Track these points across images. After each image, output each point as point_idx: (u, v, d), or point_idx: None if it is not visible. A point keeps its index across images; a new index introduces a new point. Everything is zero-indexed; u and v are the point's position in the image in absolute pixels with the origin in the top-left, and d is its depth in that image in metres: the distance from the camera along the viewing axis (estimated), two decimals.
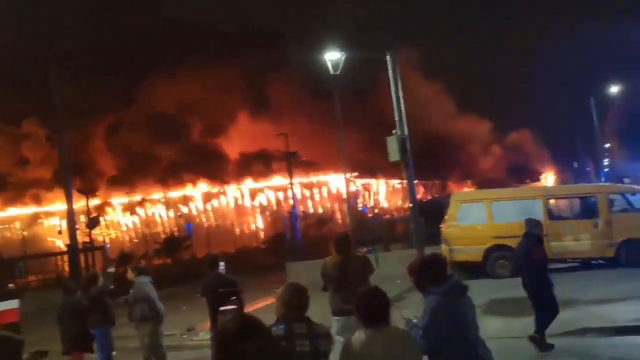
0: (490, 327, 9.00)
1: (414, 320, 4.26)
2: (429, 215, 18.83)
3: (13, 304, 11.18)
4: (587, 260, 15.04)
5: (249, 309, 8.59)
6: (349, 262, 6.75)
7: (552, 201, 15.99)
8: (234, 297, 8.03)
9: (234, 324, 2.27)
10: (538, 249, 8.36)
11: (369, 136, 44.39)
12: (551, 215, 15.25)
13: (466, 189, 58.71)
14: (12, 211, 54.49)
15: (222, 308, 7.97)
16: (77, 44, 50.76)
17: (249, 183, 54.24)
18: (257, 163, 53.87)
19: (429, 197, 53.72)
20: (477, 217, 15.12)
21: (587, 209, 15.51)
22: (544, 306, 8.28)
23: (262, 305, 13.81)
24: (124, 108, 56.06)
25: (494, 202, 15.19)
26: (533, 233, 8.50)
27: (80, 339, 9.12)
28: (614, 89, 42.33)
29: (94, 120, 50.37)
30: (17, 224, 53.28)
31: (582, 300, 11.01)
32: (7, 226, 54.45)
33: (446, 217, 15.48)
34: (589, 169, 58.61)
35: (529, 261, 8.31)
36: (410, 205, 13.10)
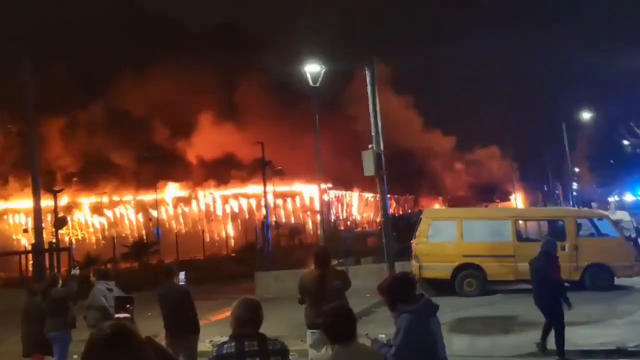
0: (455, 345, 9.05)
1: (382, 337, 4.27)
2: (400, 230, 18.97)
3: None
4: None
5: (203, 322, 8.53)
6: (328, 276, 6.74)
7: (521, 223, 16.22)
8: (129, 306, 7.97)
9: (107, 331, 2.23)
10: (555, 268, 8.74)
11: (341, 147, 44.73)
12: (519, 236, 15.46)
13: (437, 206, 59.35)
14: None
15: (116, 315, 7.91)
16: (44, 33, 49.76)
17: (221, 189, 53.89)
18: (230, 170, 53.60)
19: (401, 212, 54.08)
20: (447, 235, 15.26)
21: (555, 232, 15.74)
22: (559, 321, 8.47)
23: (214, 320, 13.58)
24: (90, 103, 55.06)
25: (464, 221, 15.36)
26: (551, 253, 8.90)
27: (43, 341, 8.94)
28: (586, 115, 43.36)
29: (56, 115, 49.26)
30: None
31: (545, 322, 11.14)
32: None
33: (417, 234, 15.59)
34: (558, 192, 59.74)
35: (546, 278, 8.64)
36: (382, 219, 13.13)
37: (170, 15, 57.76)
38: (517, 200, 60.81)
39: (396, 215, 43.81)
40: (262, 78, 54.20)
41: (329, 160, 38.40)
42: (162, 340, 7.67)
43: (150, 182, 47.28)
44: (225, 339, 11.09)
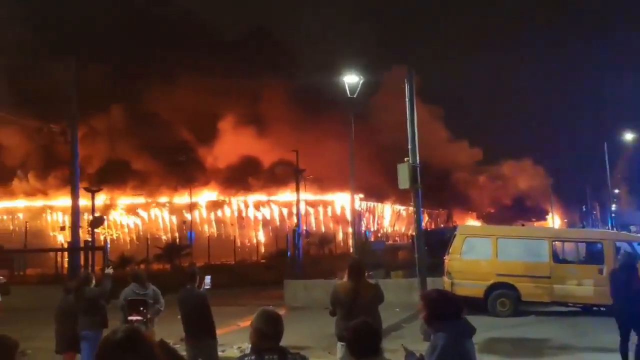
0: None
1: (416, 354, 4.20)
2: (432, 245, 18.72)
3: None
4: (589, 306, 14.85)
5: (222, 330, 8.57)
6: (361, 289, 6.67)
7: (558, 243, 15.85)
8: (142, 308, 8.02)
9: (119, 334, 2.32)
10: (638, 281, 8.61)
11: (371, 157, 44.58)
12: (556, 257, 15.12)
13: (471, 221, 58.54)
14: (19, 203, 54.75)
15: (129, 317, 7.97)
16: (83, 35, 51.12)
17: (253, 195, 54.28)
18: (262, 176, 53.92)
19: (433, 226, 53.51)
20: (481, 253, 15.01)
21: (593, 255, 15.36)
22: None
23: (242, 327, 13.52)
24: (128, 104, 56.16)
25: (500, 239, 15.08)
26: (634, 265, 8.82)
27: (75, 339, 9.05)
28: (629, 136, 42.22)
29: (93, 116, 50.43)
30: (21, 215, 53.50)
31: (578, 347, 10.87)
32: (10, 217, 54.67)
33: (450, 250, 15.37)
34: (596, 213, 58.31)
35: (631, 293, 8.48)
36: (416, 234, 12.97)
37: (203, 20, 58.75)
38: (555, 220, 59.59)
39: (428, 229, 43.36)
40: (293, 86, 54.60)
41: (360, 171, 38.32)
42: None
43: (184, 185, 47.93)
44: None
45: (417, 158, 12.29)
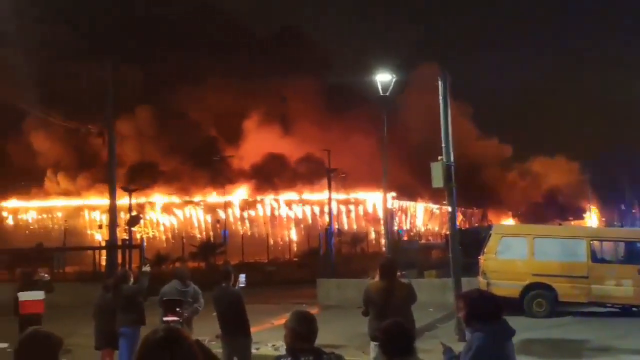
0: None
1: (454, 351, 4.17)
2: (466, 245, 18.50)
3: (39, 295, 11.31)
4: (628, 306, 14.50)
5: (256, 328, 8.64)
6: (394, 289, 6.64)
7: (596, 243, 15.50)
8: (179, 309, 8.10)
9: (160, 334, 2.36)
10: None
11: (405, 156, 44.26)
12: (594, 257, 14.79)
13: (510, 221, 57.63)
14: (56, 202, 56.17)
15: (165, 318, 8.05)
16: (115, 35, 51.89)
17: (285, 194, 54.52)
18: (294, 176, 54.09)
19: (467, 226, 52.90)
20: (517, 252, 14.80)
21: (632, 254, 14.98)
22: None
23: (276, 325, 13.57)
24: (164, 103, 56.92)
25: (536, 238, 14.84)
26: None
27: (113, 336, 9.23)
28: None
29: (128, 116, 51.31)
30: (59, 214, 54.88)
31: (619, 348, 10.63)
32: (49, 216, 56.15)
33: (485, 249, 15.18)
34: (635, 211, 56.84)
35: None
36: (450, 233, 12.85)
37: (231, 19, 58.97)
38: (592, 218, 58.25)
39: (462, 228, 42.90)
40: (322, 85, 54.51)
41: (392, 169, 38.15)
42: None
43: (217, 185, 48.45)
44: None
45: (452, 156, 12.17)
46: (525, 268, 14.58)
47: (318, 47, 62.07)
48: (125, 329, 9.08)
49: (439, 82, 12.00)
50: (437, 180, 11.87)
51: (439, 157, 11.96)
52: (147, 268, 10.38)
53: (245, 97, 54.89)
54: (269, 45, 60.65)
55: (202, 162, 52.81)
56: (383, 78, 14.15)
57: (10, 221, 57.86)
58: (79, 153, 53.77)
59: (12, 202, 57.21)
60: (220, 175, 48.04)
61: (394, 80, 14.07)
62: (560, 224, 35.41)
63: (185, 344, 2.36)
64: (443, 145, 12.03)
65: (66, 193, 56.27)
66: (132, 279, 9.55)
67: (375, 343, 6.55)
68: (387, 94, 14.12)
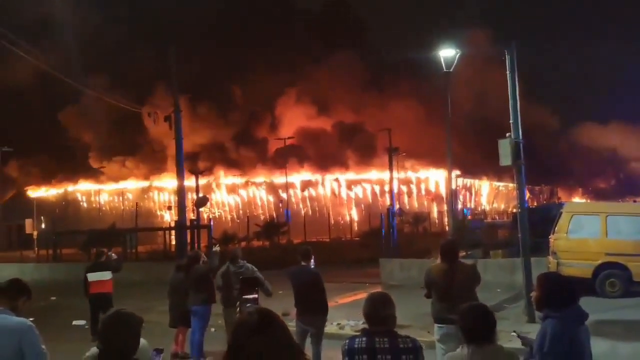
0: (594, 350, 8.46)
1: (530, 339, 4.06)
2: (535, 223, 17.96)
3: (106, 275, 11.59)
4: None
5: (330, 304, 8.71)
6: (456, 271, 6.52)
7: None
8: (256, 287, 8.22)
9: (255, 316, 2.38)
10: None
11: (469, 133, 43.21)
12: None
13: (576, 199, 55.53)
14: (127, 184, 58.45)
15: (244, 296, 8.18)
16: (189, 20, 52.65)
17: (347, 173, 54.54)
18: (356, 154, 53.93)
19: (535, 204, 51.36)
20: (589, 231, 14.24)
21: None
22: None
23: (340, 303, 13.71)
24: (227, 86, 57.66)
25: (609, 217, 14.23)
26: None
27: (186, 314, 9.57)
28: None
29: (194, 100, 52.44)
30: (130, 196, 57.16)
31: None
32: (120, 198, 58.57)
33: (556, 228, 14.70)
34: None
35: None
36: (520, 212, 12.50)
37: None
38: None
39: (531, 207, 41.67)
40: (379, 61, 53.65)
41: (456, 147, 37.40)
42: (292, 317, 7.99)
43: (281, 164, 49.04)
44: (351, 322, 11.27)
45: (520, 133, 11.80)
46: (597, 247, 14.03)
47: (366, 23, 60.82)
48: (197, 308, 9.38)
49: (506, 56, 11.60)
50: (505, 158, 11.55)
51: (507, 134, 11.62)
52: (217, 248, 10.71)
53: (292, 76, 54.60)
54: (316, 21, 60.06)
55: (262, 143, 53.60)
56: (446, 54, 13.77)
57: (84, 204, 60.84)
58: (141, 137, 55.46)
59: (85, 185, 60.01)
60: (280, 156, 48.65)
61: (458, 55, 13.68)
62: (634, 201, 33.85)
63: (280, 326, 2.39)
64: (511, 121, 11.67)
65: (138, 175, 58.47)
66: (202, 259, 9.83)
67: (439, 325, 6.49)
68: (451, 70, 13.75)
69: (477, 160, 45.61)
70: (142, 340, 4.02)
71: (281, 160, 48.95)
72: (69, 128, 59.35)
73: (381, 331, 3.60)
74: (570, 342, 3.77)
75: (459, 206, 43.14)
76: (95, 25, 51.02)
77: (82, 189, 60.59)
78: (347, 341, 3.71)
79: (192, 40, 50.00)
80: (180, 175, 24.22)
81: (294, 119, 56.31)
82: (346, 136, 55.46)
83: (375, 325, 3.63)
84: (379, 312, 3.67)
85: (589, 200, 48.59)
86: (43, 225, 40.94)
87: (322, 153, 54.78)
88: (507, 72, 11.61)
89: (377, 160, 49.29)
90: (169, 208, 43.62)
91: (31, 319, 4.16)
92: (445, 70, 13.85)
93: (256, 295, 8.43)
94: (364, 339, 3.61)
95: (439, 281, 6.52)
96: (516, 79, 11.69)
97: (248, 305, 7.87)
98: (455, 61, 13.94)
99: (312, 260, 8.30)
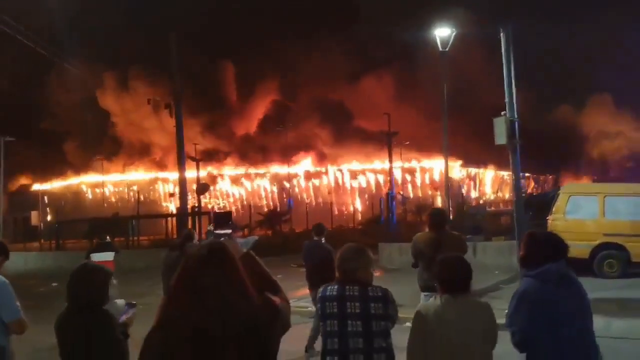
0: None
1: None
2: (537, 208, 17.89)
3: (109, 255, 11.98)
4: None
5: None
6: (443, 239, 6.42)
7: None
8: (230, 222, 8.27)
9: (204, 250, 2.37)
10: None
11: (470, 120, 42.93)
12: None
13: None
14: (134, 175, 58.68)
15: (217, 231, 8.23)
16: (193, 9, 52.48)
17: (350, 164, 54.48)
18: (357, 143, 53.77)
19: (540, 192, 51.19)
20: (587, 212, 14.19)
21: None
22: None
23: None
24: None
25: (607, 197, 14.16)
26: None
27: None
28: None
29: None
30: (135, 187, 57.40)
31: None
32: (124, 189, 58.79)
33: (553, 209, 14.66)
34: None
35: None
36: (514, 191, 12.45)
37: None
38: None
39: (534, 193, 41.53)
40: (390, 48, 53.22)
41: (457, 136, 37.30)
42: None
43: (285, 155, 49.11)
44: None
45: (515, 112, 11.73)
46: (595, 228, 13.98)
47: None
48: None
49: (501, 34, 11.53)
50: (500, 137, 11.49)
51: (502, 113, 11.56)
52: (210, 227, 10.77)
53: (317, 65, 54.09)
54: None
55: (268, 132, 53.53)
56: (442, 33, 13.59)
57: (89, 195, 61.12)
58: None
59: (91, 177, 60.24)
60: (286, 145, 48.68)
61: (453, 34, 13.51)
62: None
63: (230, 262, 2.37)
64: (506, 99, 11.60)
65: (146, 166, 58.69)
66: (196, 238, 9.89)
67: (425, 293, 6.46)
68: (447, 49, 13.61)
69: (481, 149, 45.42)
70: (121, 300, 4.05)
71: (287, 151, 49.02)
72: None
73: (352, 279, 3.61)
74: (542, 302, 3.49)
75: (463, 194, 43.06)
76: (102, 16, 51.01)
77: (87, 181, 60.88)
78: (321, 289, 3.73)
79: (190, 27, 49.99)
80: (181, 163, 24.23)
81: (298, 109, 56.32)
82: (346, 124, 55.25)
83: (347, 274, 3.66)
84: (351, 261, 3.68)
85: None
86: (49, 218, 41.23)
87: (326, 142, 54.76)
88: (502, 50, 11.54)
89: (381, 151, 49.19)
90: (171, 195, 43.82)
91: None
92: (441, 49, 13.73)
93: (229, 231, 8.49)
94: (335, 286, 3.65)
95: (426, 250, 6.45)
96: (511, 57, 11.61)
97: (221, 240, 7.99)
98: (451, 40, 13.81)
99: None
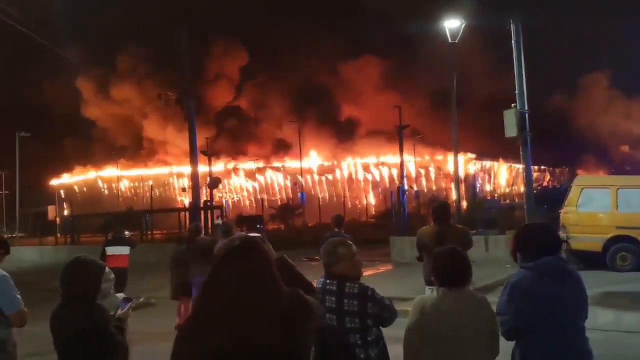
0: (600, 320, 8.36)
1: None
2: (551, 201, 17.74)
3: (125, 249, 11.80)
4: None
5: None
6: (447, 233, 6.38)
7: None
8: (259, 225, 8.27)
9: (236, 242, 2.37)
10: None
11: (482, 114, 42.61)
12: None
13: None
14: (148, 171, 59.08)
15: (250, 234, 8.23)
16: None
17: (363, 157, 54.35)
18: (372, 138, 53.65)
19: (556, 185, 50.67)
20: (600, 205, 14.00)
21: None
22: None
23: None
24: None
25: (620, 190, 13.96)
26: None
27: (187, 286, 9.66)
28: None
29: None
30: (150, 182, 57.79)
31: None
32: (139, 184, 59.24)
33: (566, 202, 14.48)
34: None
35: None
36: (525, 183, 12.35)
37: None
38: None
39: (549, 187, 41.12)
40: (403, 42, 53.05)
41: (470, 130, 37.04)
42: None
43: (297, 149, 49.08)
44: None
45: (526, 104, 11.61)
46: (608, 221, 13.80)
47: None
48: (198, 278, 9.44)
49: (511, 25, 11.40)
50: (511, 129, 11.41)
51: (512, 105, 11.45)
52: (218, 221, 10.81)
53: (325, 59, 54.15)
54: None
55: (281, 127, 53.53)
56: (451, 25, 13.44)
57: (105, 190, 61.69)
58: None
59: (107, 172, 60.78)
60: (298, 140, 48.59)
61: (463, 26, 13.37)
62: None
63: (261, 255, 2.35)
64: (517, 91, 11.49)
65: (155, 161, 59.08)
66: (202, 232, 9.93)
67: (430, 287, 6.43)
68: (456, 41, 13.47)
69: (495, 142, 45.03)
70: (120, 294, 4.05)
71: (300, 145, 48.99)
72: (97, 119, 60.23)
73: (332, 274, 3.64)
74: (536, 296, 3.37)
75: (477, 188, 42.78)
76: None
77: (104, 175, 61.43)
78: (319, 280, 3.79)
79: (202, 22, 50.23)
80: (193, 158, 24.33)
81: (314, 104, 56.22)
82: (360, 119, 55.18)
83: (327, 268, 3.68)
84: (329, 258, 3.70)
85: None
86: (66, 212, 41.65)
87: (338, 136, 54.70)
88: (513, 41, 11.42)
89: (395, 145, 48.94)
90: (184, 190, 44.07)
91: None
92: (450, 41, 13.60)
93: (259, 235, 8.47)
94: (322, 280, 3.70)
95: (430, 243, 6.39)
96: (521, 48, 11.48)
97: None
98: (460, 32, 13.67)
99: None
